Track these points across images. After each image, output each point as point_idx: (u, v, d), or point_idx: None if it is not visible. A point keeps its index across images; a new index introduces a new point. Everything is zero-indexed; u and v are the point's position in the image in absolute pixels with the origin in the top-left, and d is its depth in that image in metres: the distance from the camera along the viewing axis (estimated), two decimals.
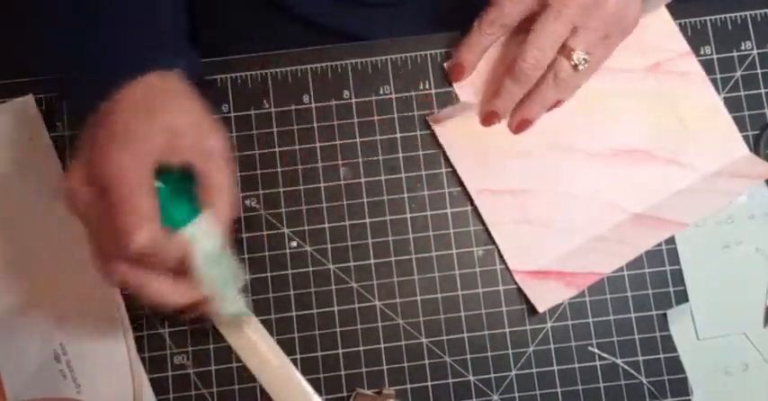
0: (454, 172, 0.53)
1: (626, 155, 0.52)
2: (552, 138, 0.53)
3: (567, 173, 0.52)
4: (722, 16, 0.55)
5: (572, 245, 0.52)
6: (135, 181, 0.40)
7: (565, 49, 0.48)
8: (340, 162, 0.53)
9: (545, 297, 0.50)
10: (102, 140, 0.41)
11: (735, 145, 0.53)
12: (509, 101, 0.51)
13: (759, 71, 0.54)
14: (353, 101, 0.54)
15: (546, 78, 0.49)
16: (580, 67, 0.48)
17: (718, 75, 0.54)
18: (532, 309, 0.51)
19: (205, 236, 0.43)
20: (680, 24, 0.54)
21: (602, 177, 0.52)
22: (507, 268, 0.52)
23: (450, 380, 0.51)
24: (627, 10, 0.48)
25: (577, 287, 0.50)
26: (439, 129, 0.53)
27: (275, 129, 0.54)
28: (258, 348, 0.51)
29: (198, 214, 0.44)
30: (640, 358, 0.52)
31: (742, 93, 0.54)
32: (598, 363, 0.52)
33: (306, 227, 0.53)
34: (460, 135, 0.53)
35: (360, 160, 0.53)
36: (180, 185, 0.45)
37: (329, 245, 0.53)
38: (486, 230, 0.52)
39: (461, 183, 0.53)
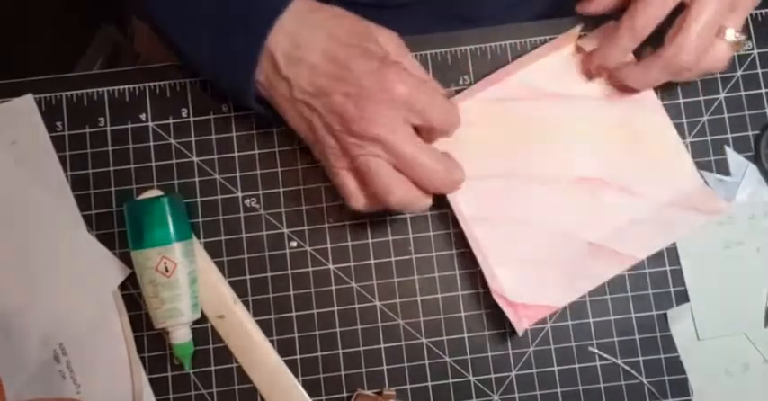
0: None
1: (581, 183, 0.52)
2: (509, 165, 0.52)
3: (523, 200, 0.52)
4: None
5: (526, 273, 0.51)
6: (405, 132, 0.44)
7: (720, 30, 0.45)
8: None
9: (511, 320, 0.49)
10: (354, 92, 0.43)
11: (688, 175, 0.52)
12: (652, 84, 0.49)
13: (759, 71, 0.54)
14: None
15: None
16: (741, 49, 0.46)
17: (719, 75, 0.54)
18: None
19: (189, 258, 0.50)
20: None
21: (558, 205, 0.51)
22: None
23: (451, 380, 0.51)
24: None
25: (529, 319, 0.49)
26: None
27: (275, 129, 0.53)
28: (254, 348, 0.51)
29: (190, 237, 0.51)
30: (641, 358, 0.52)
31: (742, 92, 0.54)
32: (598, 363, 0.52)
33: (306, 227, 0.53)
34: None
35: None
36: (179, 205, 0.50)
37: (329, 245, 0.53)
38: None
39: None
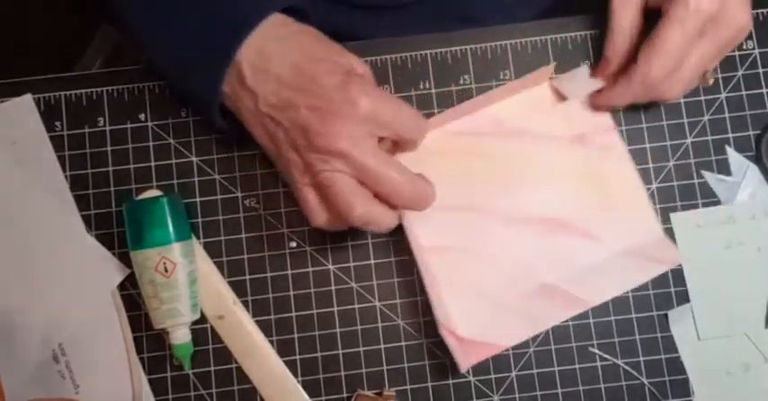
0: None
1: (541, 223, 0.51)
2: (471, 199, 0.52)
3: (482, 235, 0.51)
4: None
5: (477, 310, 0.50)
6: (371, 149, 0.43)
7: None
8: None
9: (455, 356, 0.48)
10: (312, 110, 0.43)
11: (649, 225, 0.52)
12: (616, 103, 0.51)
13: (761, 70, 0.54)
14: None
15: None
16: (710, 82, 0.51)
17: (720, 75, 0.54)
18: None
19: (189, 258, 0.50)
20: None
21: (516, 243, 0.51)
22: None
23: (451, 381, 0.51)
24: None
25: (476, 356, 0.48)
26: None
27: None
28: (254, 348, 0.51)
29: (189, 237, 0.50)
30: (641, 358, 0.52)
31: (743, 92, 0.54)
32: (599, 364, 0.52)
33: (305, 228, 0.53)
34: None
35: None
36: (178, 205, 0.50)
37: (329, 245, 0.52)
38: None
39: None
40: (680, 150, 0.53)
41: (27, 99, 0.54)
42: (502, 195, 0.52)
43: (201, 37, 0.45)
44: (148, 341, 0.52)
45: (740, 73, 0.54)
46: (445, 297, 0.50)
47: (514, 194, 0.52)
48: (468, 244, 0.51)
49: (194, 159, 0.53)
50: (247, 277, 0.52)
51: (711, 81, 0.50)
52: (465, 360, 0.48)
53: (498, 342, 0.49)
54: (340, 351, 0.52)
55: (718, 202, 0.53)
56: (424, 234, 0.51)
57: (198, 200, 0.53)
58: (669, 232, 0.53)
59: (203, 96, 0.46)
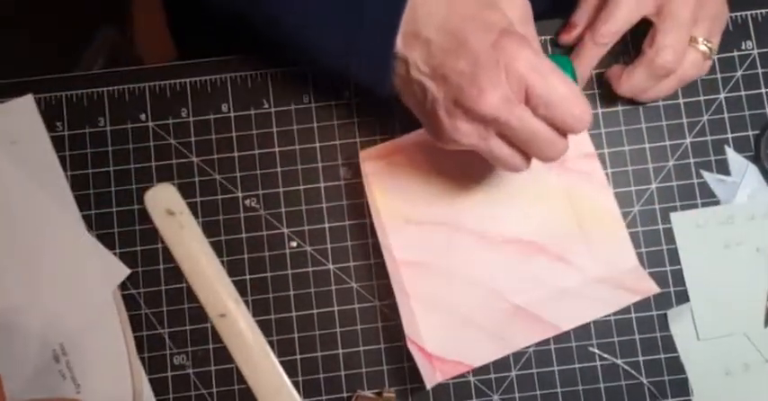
0: None
1: (516, 244, 0.52)
2: (451, 216, 0.52)
3: (458, 252, 0.51)
4: None
5: (447, 326, 0.50)
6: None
7: (690, 40, 0.48)
8: (340, 162, 0.53)
9: (423, 372, 0.47)
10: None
11: (625, 254, 0.52)
12: (638, 90, 0.50)
13: (760, 71, 0.54)
14: (353, 101, 0.54)
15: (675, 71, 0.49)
16: (713, 56, 0.49)
17: (719, 75, 0.54)
18: None
19: None
20: None
21: (491, 262, 0.51)
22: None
23: (451, 381, 0.51)
24: (724, 5, 0.49)
25: (443, 374, 0.48)
26: (366, 166, 0.52)
27: (275, 129, 0.54)
28: (253, 347, 0.51)
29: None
30: (641, 358, 0.52)
31: (743, 92, 0.54)
32: (598, 363, 0.52)
33: (306, 227, 0.53)
34: (382, 181, 0.52)
35: (360, 160, 0.53)
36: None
37: (329, 245, 0.53)
38: None
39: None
40: (679, 150, 0.54)
41: (28, 99, 0.54)
42: (479, 214, 0.52)
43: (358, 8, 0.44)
44: (149, 340, 0.52)
45: (739, 73, 0.54)
46: (416, 311, 0.50)
47: (492, 214, 0.52)
48: (441, 260, 0.51)
49: (195, 159, 0.53)
50: (248, 277, 0.52)
51: (711, 53, 0.49)
52: (432, 378, 0.47)
53: (466, 360, 0.49)
54: (340, 351, 0.52)
55: (717, 202, 0.53)
56: (398, 247, 0.51)
57: (198, 200, 0.53)
58: (669, 232, 0.53)
59: (376, 63, 0.44)
